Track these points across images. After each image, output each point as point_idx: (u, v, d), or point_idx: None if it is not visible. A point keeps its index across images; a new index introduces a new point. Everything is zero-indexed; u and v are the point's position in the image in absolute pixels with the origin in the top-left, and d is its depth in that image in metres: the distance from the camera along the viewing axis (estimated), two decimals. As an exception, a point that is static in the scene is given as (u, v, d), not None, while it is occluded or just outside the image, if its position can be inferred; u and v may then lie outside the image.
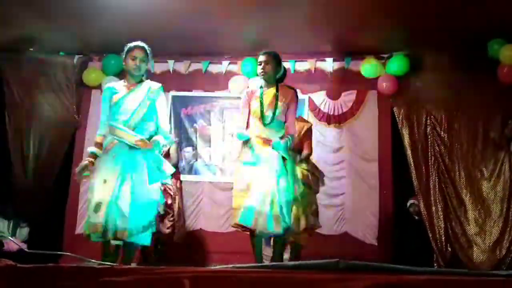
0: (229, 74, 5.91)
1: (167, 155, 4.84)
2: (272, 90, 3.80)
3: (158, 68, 6.01)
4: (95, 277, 1.73)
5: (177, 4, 4.68)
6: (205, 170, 5.88)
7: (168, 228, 4.80)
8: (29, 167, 5.72)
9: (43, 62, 5.86)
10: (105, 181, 3.36)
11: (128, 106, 3.54)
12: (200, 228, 5.70)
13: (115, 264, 2.55)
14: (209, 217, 5.72)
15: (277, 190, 3.55)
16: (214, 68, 6.01)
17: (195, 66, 6.03)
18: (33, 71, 5.83)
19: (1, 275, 1.79)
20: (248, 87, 5.73)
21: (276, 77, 3.85)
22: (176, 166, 4.97)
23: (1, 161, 5.61)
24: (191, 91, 6.06)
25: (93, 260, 2.50)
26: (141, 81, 3.67)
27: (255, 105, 3.77)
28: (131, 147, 3.45)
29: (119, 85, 3.67)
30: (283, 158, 3.67)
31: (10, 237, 5.12)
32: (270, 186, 3.54)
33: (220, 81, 5.96)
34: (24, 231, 5.52)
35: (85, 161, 3.53)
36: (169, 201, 4.85)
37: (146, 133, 3.56)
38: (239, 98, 5.84)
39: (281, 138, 3.71)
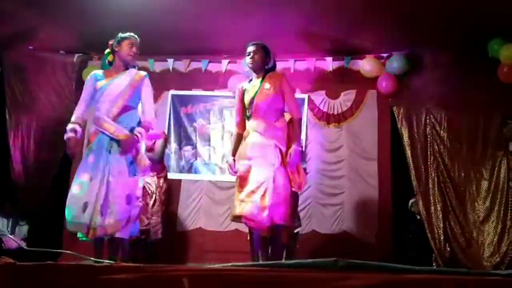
0: (228, 73, 5.91)
1: (151, 149, 4.72)
2: (260, 80, 3.79)
3: (158, 66, 6.02)
4: (94, 275, 1.72)
5: (177, 2, 4.68)
6: (205, 169, 5.88)
7: (145, 226, 4.68)
8: (28, 165, 5.72)
9: (43, 60, 5.86)
10: (91, 179, 3.37)
11: (110, 93, 3.52)
12: (200, 227, 5.70)
13: (113, 262, 2.56)
14: (209, 216, 5.72)
15: (272, 182, 3.51)
16: (214, 67, 6.02)
17: (194, 65, 6.04)
18: (33, 69, 5.83)
19: (0, 273, 1.79)
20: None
21: (265, 67, 3.83)
22: (159, 161, 4.90)
23: (0, 159, 5.61)
24: (191, 90, 6.06)
25: (92, 258, 2.50)
26: (127, 68, 3.65)
27: (247, 98, 3.76)
28: (112, 139, 3.44)
29: (103, 74, 3.65)
30: (280, 151, 3.62)
31: (9, 235, 5.12)
32: (265, 178, 3.51)
33: (220, 80, 5.96)
34: (23, 229, 5.53)
35: (68, 138, 3.56)
36: (147, 200, 4.75)
37: (129, 122, 3.52)
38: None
39: (280, 130, 3.68)
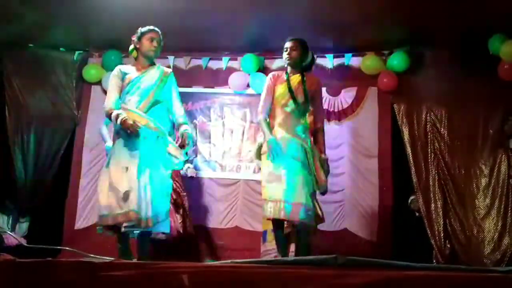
0: (229, 70, 5.91)
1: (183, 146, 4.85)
2: (298, 77, 3.75)
3: (158, 64, 6.00)
4: (94, 272, 1.73)
5: (178, 0, 4.67)
6: (205, 166, 5.88)
7: (180, 222, 4.82)
8: (29, 162, 5.72)
9: (43, 57, 5.85)
10: (127, 169, 3.29)
11: (142, 86, 3.51)
12: (200, 224, 5.70)
13: (113, 258, 2.54)
14: (209, 213, 5.72)
15: (304, 181, 3.51)
16: (214, 64, 6.00)
17: (195, 62, 6.02)
18: (33, 66, 5.83)
19: (1, 269, 1.79)
20: (248, 84, 5.78)
21: (303, 64, 3.80)
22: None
23: (1, 157, 5.61)
24: (191, 87, 6.05)
25: (92, 255, 2.50)
26: (153, 63, 3.66)
27: (280, 90, 3.71)
28: (145, 129, 3.37)
29: (130, 68, 3.63)
30: (305, 150, 3.62)
31: (9, 232, 5.13)
32: (299, 177, 3.51)
33: (220, 77, 5.96)
34: (23, 226, 5.54)
35: (123, 120, 3.35)
36: (183, 198, 4.97)
37: (157, 116, 3.50)
38: (239, 94, 5.91)
39: (305, 129, 3.70)
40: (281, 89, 3.71)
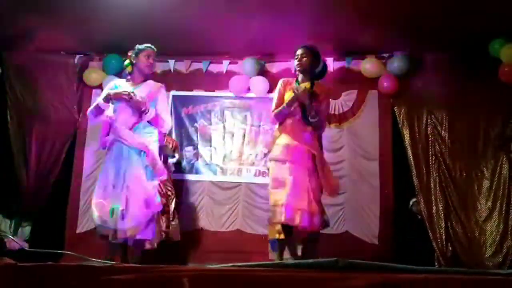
0: (229, 74, 5.91)
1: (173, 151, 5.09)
2: (307, 85, 3.78)
3: (159, 67, 6.01)
4: (96, 276, 1.73)
5: (178, 3, 4.68)
6: (206, 170, 5.88)
7: (165, 228, 4.80)
8: (31, 166, 5.72)
9: (44, 61, 5.87)
10: (114, 187, 3.56)
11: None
12: (201, 228, 5.70)
13: (115, 262, 2.58)
14: (210, 217, 5.72)
15: (309, 187, 3.60)
16: (215, 68, 6.01)
17: (195, 65, 6.04)
18: (34, 70, 5.84)
19: (2, 273, 1.79)
20: (248, 87, 5.79)
21: (315, 72, 3.84)
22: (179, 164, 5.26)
23: (3, 161, 5.62)
24: (192, 90, 6.06)
25: (93, 259, 2.50)
26: (145, 80, 3.83)
27: (288, 96, 3.76)
28: (129, 147, 3.63)
29: (123, 82, 3.84)
30: (313, 155, 3.69)
31: (11, 236, 5.13)
32: (305, 183, 3.58)
33: (221, 81, 5.96)
34: (25, 230, 5.54)
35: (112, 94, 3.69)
36: (168, 203, 4.92)
37: (145, 131, 3.70)
38: (240, 98, 5.92)
39: (312, 135, 3.75)
40: (290, 95, 3.76)
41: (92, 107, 3.82)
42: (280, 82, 3.93)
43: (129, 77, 3.86)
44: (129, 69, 3.84)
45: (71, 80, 5.95)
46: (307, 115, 3.70)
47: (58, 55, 5.93)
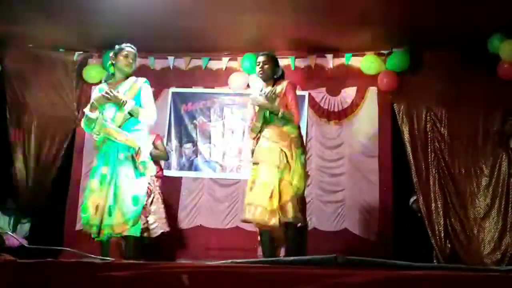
0: (229, 71, 5.91)
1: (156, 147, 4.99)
2: (269, 88, 3.98)
3: (158, 64, 6.02)
4: (94, 272, 1.73)
5: (177, 0, 4.67)
6: (205, 167, 5.88)
7: (143, 225, 4.74)
8: (30, 163, 5.73)
9: (44, 58, 5.86)
10: (101, 184, 3.62)
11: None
12: (200, 225, 5.71)
13: (114, 259, 2.58)
14: (209, 214, 5.73)
15: (278, 184, 3.76)
16: (214, 65, 6.00)
17: (195, 62, 6.02)
18: (33, 67, 5.83)
19: (1, 270, 1.79)
20: (248, 84, 5.79)
21: (274, 77, 4.08)
22: (165, 159, 5.29)
23: (2, 158, 5.62)
24: (191, 87, 6.06)
25: (92, 255, 2.50)
26: (126, 78, 3.87)
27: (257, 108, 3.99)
28: (118, 144, 3.68)
29: (105, 85, 3.89)
30: (284, 153, 3.85)
31: (11, 233, 5.14)
32: (271, 181, 3.75)
33: (220, 78, 5.96)
34: (25, 227, 5.54)
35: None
36: (147, 199, 4.86)
37: (132, 128, 3.73)
38: (239, 94, 5.91)
39: (286, 135, 3.92)
40: (257, 107, 3.99)
41: (84, 119, 3.85)
42: (249, 103, 4.15)
43: (111, 79, 3.92)
44: (111, 69, 3.92)
45: (70, 77, 5.94)
46: (273, 115, 3.92)
47: (57, 52, 5.91)
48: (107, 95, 3.65)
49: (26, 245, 4.74)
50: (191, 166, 5.90)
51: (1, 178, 5.50)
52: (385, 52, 5.58)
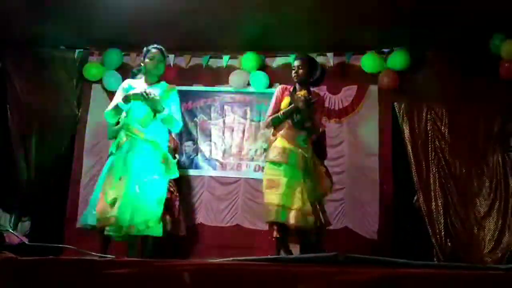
0: (229, 69, 5.91)
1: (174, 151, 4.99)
2: (304, 92, 4.04)
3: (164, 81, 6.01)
4: (96, 270, 1.73)
5: (178, -2, 4.68)
6: (206, 165, 5.88)
7: (171, 224, 4.82)
8: (31, 161, 5.73)
9: (44, 56, 5.85)
10: (120, 179, 3.56)
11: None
12: (201, 222, 5.71)
13: (114, 256, 2.58)
14: (210, 212, 5.73)
15: (304, 189, 3.83)
16: (215, 63, 6.00)
17: (195, 60, 6.02)
18: (34, 66, 5.82)
19: (2, 267, 1.79)
20: (248, 82, 5.79)
21: (311, 80, 4.15)
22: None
23: (3, 156, 5.62)
24: (192, 85, 6.05)
25: (93, 253, 2.51)
26: (158, 81, 3.91)
27: (285, 102, 4.04)
28: (142, 142, 3.65)
29: (137, 83, 3.91)
30: (306, 158, 3.94)
31: (11, 231, 5.14)
32: (298, 184, 3.81)
33: (221, 76, 5.96)
34: (25, 225, 5.55)
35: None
36: (173, 199, 4.94)
37: (157, 129, 3.74)
38: (240, 93, 5.91)
39: (305, 140, 3.99)
40: (286, 101, 4.04)
41: (110, 108, 3.78)
42: (278, 88, 4.21)
43: (143, 77, 3.95)
44: (143, 71, 3.99)
45: (71, 75, 5.94)
46: (302, 120, 3.95)
47: (57, 50, 5.91)
48: (146, 95, 3.62)
49: (26, 242, 4.75)
50: (192, 164, 5.90)
51: (2, 176, 5.50)
52: (386, 50, 5.58)
